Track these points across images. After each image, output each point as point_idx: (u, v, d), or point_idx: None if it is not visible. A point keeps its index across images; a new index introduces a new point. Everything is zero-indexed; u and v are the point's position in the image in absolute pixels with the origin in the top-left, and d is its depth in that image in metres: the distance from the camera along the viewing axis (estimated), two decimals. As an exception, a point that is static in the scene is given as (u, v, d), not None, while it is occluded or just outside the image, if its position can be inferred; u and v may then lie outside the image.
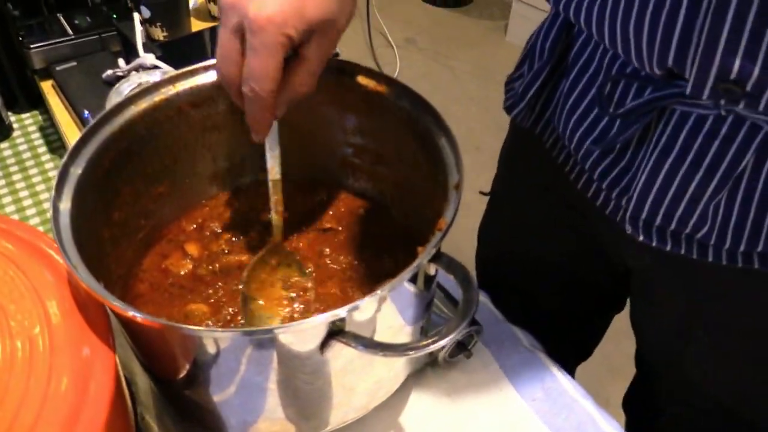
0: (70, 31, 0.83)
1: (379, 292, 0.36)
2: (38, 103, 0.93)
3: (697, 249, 0.53)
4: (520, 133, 0.69)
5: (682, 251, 0.53)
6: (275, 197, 0.53)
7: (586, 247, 0.68)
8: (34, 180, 0.85)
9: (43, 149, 0.88)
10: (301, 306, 0.52)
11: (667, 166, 0.49)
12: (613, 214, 0.57)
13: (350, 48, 2.59)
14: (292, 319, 0.51)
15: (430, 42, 2.79)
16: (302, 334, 0.37)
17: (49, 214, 0.76)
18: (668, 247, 0.54)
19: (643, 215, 0.52)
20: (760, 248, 0.50)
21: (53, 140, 0.89)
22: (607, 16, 0.45)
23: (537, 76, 0.60)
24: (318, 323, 0.36)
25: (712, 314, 0.59)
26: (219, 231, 0.61)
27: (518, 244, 0.77)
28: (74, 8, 0.88)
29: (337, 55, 0.73)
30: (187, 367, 0.43)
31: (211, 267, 0.58)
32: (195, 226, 0.61)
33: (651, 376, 0.74)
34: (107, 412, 0.41)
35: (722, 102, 0.43)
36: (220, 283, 0.56)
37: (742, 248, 0.50)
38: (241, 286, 0.53)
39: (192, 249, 0.59)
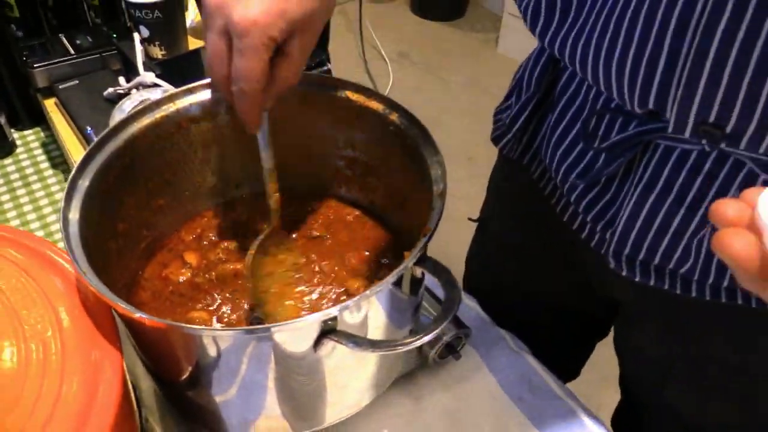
0: (71, 51, 0.86)
1: (368, 292, 0.39)
2: (40, 120, 0.96)
3: (681, 284, 0.54)
4: (508, 163, 0.70)
5: (666, 286, 0.54)
6: (271, 184, 0.56)
7: (573, 278, 0.68)
8: (38, 194, 0.87)
9: (45, 165, 0.91)
10: (314, 283, 0.55)
11: (650, 200, 0.51)
12: (597, 247, 0.58)
13: (344, 62, 2.62)
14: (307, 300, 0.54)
15: (423, 55, 2.83)
16: (297, 332, 0.40)
17: (53, 227, 0.79)
18: (651, 282, 0.55)
19: (626, 250, 0.54)
20: None
21: (55, 156, 0.92)
22: (590, 54, 0.47)
23: (524, 108, 0.62)
24: (312, 321, 0.39)
25: (695, 349, 0.60)
26: (216, 240, 0.63)
27: (505, 271, 0.78)
28: (75, 28, 0.92)
29: (328, 71, 0.76)
30: (189, 367, 0.46)
31: (208, 275, 0.60)
32: (194, 236, 0.64)
33: (635, 402, 0.75)
34: (115, 411, 0.44)
35: (704, 141, 0.45)
36: (217, 291, 0.59)
37: (725, 283, 0.51)
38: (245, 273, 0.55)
39: (190, 258, 0.62)
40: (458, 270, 0.71)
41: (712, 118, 0.42)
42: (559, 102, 0.58)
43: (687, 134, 0.45)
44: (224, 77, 0.48)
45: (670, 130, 0.45)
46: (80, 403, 0.43)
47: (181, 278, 0.60)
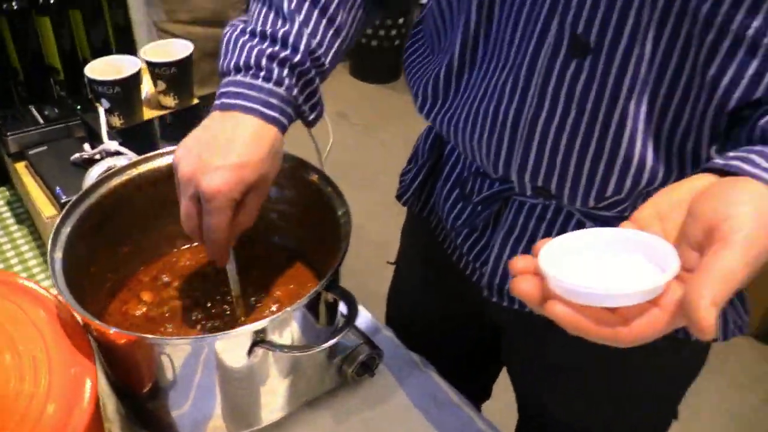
0: (41, 120, 0.98)
1: (288, 308, 0.53)
2: (6, 180, 1.07)
3: None
4: (412, 216, 0.86)
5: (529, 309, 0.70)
6: (239, 309, 0.69)
7: (466, 308, 0.83)
8: (4, 248, 0.98)
9: (11, 221, 1.02)
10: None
11: (510, 242, 0.67)
12: (477, 280, 0.73)
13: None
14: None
15: (361, 116, 3.02)
16: (235, 340, 0.53)
17: (25, 274, 0.90)
18: (515, 306, 0.70)
19: (497, 281, 0.69)
20: None
21: (20, 213, 1.03)
22: (459, 132, 0.63)
23: (420, 171, 0.78)
24: (246, 331, 0.53)
25: (568, 362, 0.75)
26: (169, 281, 0.76)
27: (414, 305, 0.93)
28: (44, 101, 1.04)
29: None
30: (149, 377, 0.58)
31: (161, 310, 0.73)
32: (150, 277, 0.76)
33: (529, 416, 0.89)
34: (91, 418, 0.56)
35: (540, 198, 0.62)
36: (168, 323, 0.71)
37: None
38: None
39: (146, 296, 0.74)
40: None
41: (540, 183, 0.59)
42: (446, 167, 0.74)
43: (528, 194, 0.62)
44: (197, 230, 0.60)
45: (516, 190, 0.62)
46: (63, 409, 0.54)
47: (138, 312, 0.72)
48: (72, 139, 0.97)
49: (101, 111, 0.91)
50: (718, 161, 0.44)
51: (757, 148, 0.44)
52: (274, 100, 0.60)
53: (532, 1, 0.53)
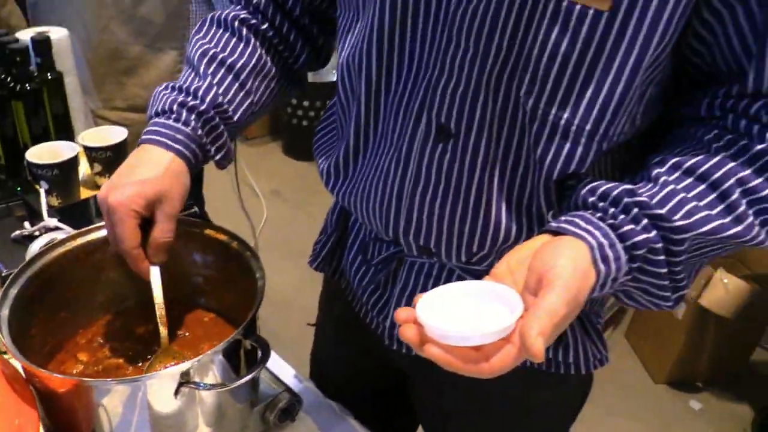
0: (-18, 202, 1.06)
1: (209, 352, 0.63)
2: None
3: None
4: (326, 280, 0.98)
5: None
6: (160, 313, 0.76)
7: (377, 361, 0.93)
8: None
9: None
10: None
11: (405, 296, 0.79)
12: (382, 333, 0.85)
13: (221, 200, 2.87)
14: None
15: (293, 192, 3.15)
16: (163, 380, 0.62)
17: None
18: (413, 353, 0.80)
19: (396, 332, 0.81)
20: None
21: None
22: (359, 204, 0.75)
23: (329, 240, 0.90)
24: (173, 372, 0.62)
25: (463, 398, 0.86)
26: (103, 342, 0.84)
27: (330, 359, 1.04)
28: (-16, 184, 1.12)
29: (194, 214, 1.01)
30: (84, 421, 0.66)
31: (96, 368, 0.80)
32: (86, 340, 0.84)
33: None
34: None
35: (425, 257, 0.75)
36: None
37: None
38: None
39: (82, 356, 0.82)
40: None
41: (422, 243, 0.72)
42: (350, 235, 0.86)
43: (415, 253, 0.74)
44: (115, 246, 0.72)
45: (405, 251, 0.75)
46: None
47: (75, 371, 0.80)
48: (12, 218, 1.05)
49: (42, 192, 1.00)
50: (552, 224, 0.58)
51: (580, 213, 0.59)
52: (179, 136, 0.74)
53: (408, 98, 0.67)
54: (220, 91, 0.77)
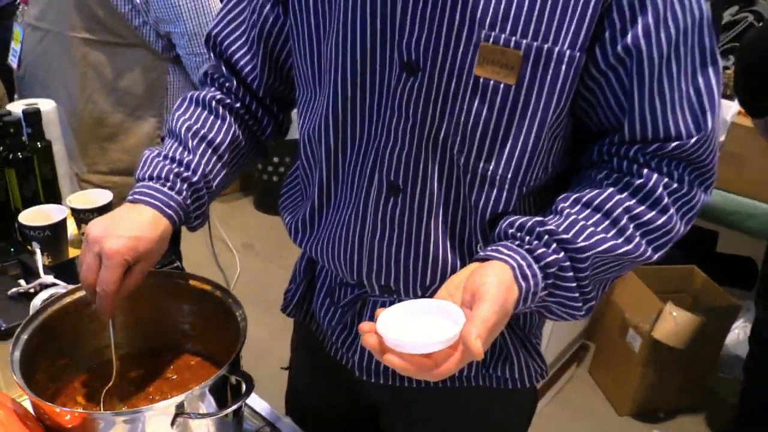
0: (-22, 263, 1.15)
1: (200, 385, 0.73)
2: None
3: (401, 379, 0.90)
4: (297, 324, 1.09)
5: (389, 382, 0.91)
6: (113, 348, 0.86)
7: (348, 395, 1.02)
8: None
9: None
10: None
11: None
12: (352, 367, 0.94)
13: (196, 256, 2.94)
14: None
15: (265, 245, 3.24)
16: (160, 411, 0.71)
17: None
18: (381, 381, 0.91)
19: (365, 363, 0.91)
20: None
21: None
22: (324, 253, 0.87)
23: (298, 287, 1.00)
24: (170, 403, 0.71)
25: (437, 423, 0.96)
26: (100, 386, 0.92)
27: (306, 396, 1.12)
28: (-21, 246, 1.21)
29: (177, 267, 1.11)
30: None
31: (94, 410, 0.88)
32: (83, 384, 0.92)
33: None
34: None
35: (386, 295, 0.85)
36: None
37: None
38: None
39: (81, 399, 0.90)
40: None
41: (383, 283, 0.83)
42: (318, 281, 0.97)
43: (377, 293, 0.85)
44: (93, 282, 0.78)
45: (369, 291, 0.86)
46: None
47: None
48: (6, 276, 1.13)
49: (38, 251, 1.10)
50: (480, 254, 0.72)
51: (502, 242, 0.73)
52: (172, 203, 0.84)
53: (362, 161, 0.80)
54: (206, 164, 0.88)
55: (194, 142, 0.88)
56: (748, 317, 2.42)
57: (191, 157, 0.87)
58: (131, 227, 0.80)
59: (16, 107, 1.35)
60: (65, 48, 1.53)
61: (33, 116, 1.29)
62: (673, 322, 2.10)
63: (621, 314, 2.33)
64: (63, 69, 1.56)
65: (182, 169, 0.86)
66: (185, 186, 0.85)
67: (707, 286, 2.37)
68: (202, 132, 0.89)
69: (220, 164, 0.90)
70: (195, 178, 0.86)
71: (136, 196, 0.84)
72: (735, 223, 2.22)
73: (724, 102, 2.34)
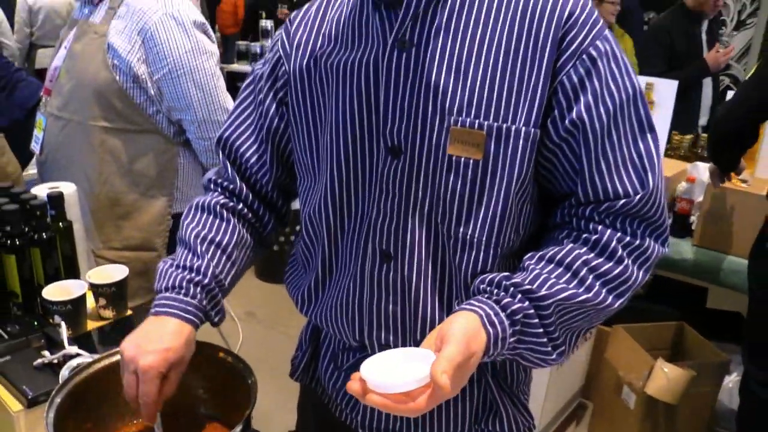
0: (5, 336, 1.24)
1: (217, 442, 0.81)
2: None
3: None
4: (304, 388, 1.17)
5: None
6: None
7: None
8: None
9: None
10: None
11: None
12: (356, 427, 1.02)
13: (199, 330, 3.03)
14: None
15: (267, 313, 3.31)
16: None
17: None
18: None
19: (367, 422, 1.00)
20: None
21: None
22: (328, 320, 0.96)
23: (304, 354, 1.10)
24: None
25: None
26: (122, 448, 1.00)
27: None
28: (5, 319, 1.30)
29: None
30: None
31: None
32: (107, 447, 1.00)
33: None
34: None
35: None
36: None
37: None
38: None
39: (106, 461, 0.98)
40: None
41: (383, 343, 0.93)
42: (322, 347, 1.06)
43: (377, 352, 0.94)
44: (135, 397, 0.88)
45: (369, 352, 0.95)
46: None
47: (100, 475, 0.96)
48: (31, 349, 1.22)
49: (63, 325, 1.19)
50: (457, 308, 0.82)
51: (475, 297, 0.83)
52: (190, 308, 0.93)
53: (358, 235, 0.91)
54: (215, 266, 0.97)
55: (203, 247, 0.98)
56: (740, 371, 2.48)
57: (200, 261, 0.96)
58: (160, 340, 0.89)
59: (41, 191, 1.47)
60: (85, 135, 1.67)
61: (56, 199, 1.40)
62: (665, 378, 2.17)
63: (615, 372, 2.39)
64: (82, 154, 1.68)
65: (194, 274, 0.95)
66: (198, 289, 0.94)
67: (697, 342, 2.44)
68: (210, 236, 0.99)
69: (229, 263, 1.00)
70: (206, 281, 0.95)
71: (158, 309, 0.92)
72: (720, 280, 2.31)
73: (701, 164, 2.48)
